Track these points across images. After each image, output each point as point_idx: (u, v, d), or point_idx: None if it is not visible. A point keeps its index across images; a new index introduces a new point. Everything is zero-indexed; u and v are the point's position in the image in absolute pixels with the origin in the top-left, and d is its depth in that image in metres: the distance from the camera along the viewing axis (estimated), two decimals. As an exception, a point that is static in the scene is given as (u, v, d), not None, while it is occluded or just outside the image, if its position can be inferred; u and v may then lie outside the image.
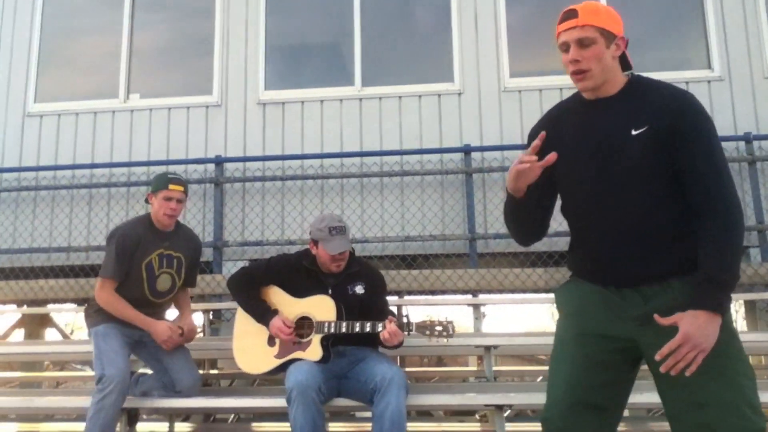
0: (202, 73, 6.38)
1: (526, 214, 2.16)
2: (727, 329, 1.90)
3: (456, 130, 5.93)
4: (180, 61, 6.62)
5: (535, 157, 1.96)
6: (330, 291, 3.55)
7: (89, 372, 7.52)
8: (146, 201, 3.93)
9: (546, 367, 6.26)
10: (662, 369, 1.83)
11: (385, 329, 3.30)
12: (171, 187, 3.78)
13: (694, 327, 1.81)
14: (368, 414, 4.38)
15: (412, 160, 5.86)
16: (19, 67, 6.55)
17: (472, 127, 5.91)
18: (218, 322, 5.32)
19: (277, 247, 5.59)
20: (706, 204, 1.93)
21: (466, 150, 5.72)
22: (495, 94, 5.97)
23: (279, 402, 3.70)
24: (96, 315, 3.79)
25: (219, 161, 5.94)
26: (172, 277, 3.91)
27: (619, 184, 2.00)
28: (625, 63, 2.10)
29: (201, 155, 6.10)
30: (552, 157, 1.96)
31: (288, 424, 3.98)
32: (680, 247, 1.96)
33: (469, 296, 5.18)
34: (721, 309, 1.85)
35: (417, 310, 7.49)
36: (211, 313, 5.28)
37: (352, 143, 6.02)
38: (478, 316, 4.88)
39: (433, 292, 5.29)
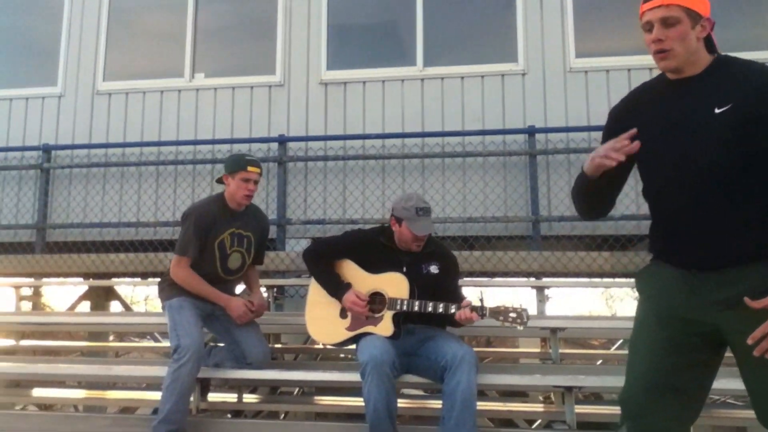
0: (265, 53, 6.44)
1: (596, 191, 2.17)
2: None
3: (519, 111, 5.86)
4: (244, 41, 6.69)
5: (623, 156, 1.98)
6: (404, 269, 3.56)
7: (146, 343, 7.77)
8: (218, 181, 4.02)
9: (604, 351, 6.24)
10: (756, 353, 1.79)
11: (460, 310, 3.31)
12: (250, 168, 3.86)
13: None
14: (416, 392, 4.45)
15: (474, 141, 5.82)
16: (89, 46, 6.73)
17: (536, 108, 5.83)
18: (282, 298, 5.42)
19: (339, 225, 5.65)
20: None
21: (530, 131, 5.64)
22: (560, 75, 5.87)
23: (343, 376, 3.80)
24: (169, 289, 3.90)
25: (282, 140, 6.00)
26: (242, 255, 3.99)
27: (702, 165, 1.96)
28: (710, 45, 2.05)
29: (264, 134, 6.17)
30: (636, 146, 1.96)
31: (348, 399, 4.09)
32: (765, 229, 1.92)
33: (532, 279, 5.15)
34: None
35: (476, 292, 7.46)
36: (275, 289, 5.39)
37: (414, 123, 6.00)
38: (542, 299, 4.85)
39: (495, 274, 5.27)
